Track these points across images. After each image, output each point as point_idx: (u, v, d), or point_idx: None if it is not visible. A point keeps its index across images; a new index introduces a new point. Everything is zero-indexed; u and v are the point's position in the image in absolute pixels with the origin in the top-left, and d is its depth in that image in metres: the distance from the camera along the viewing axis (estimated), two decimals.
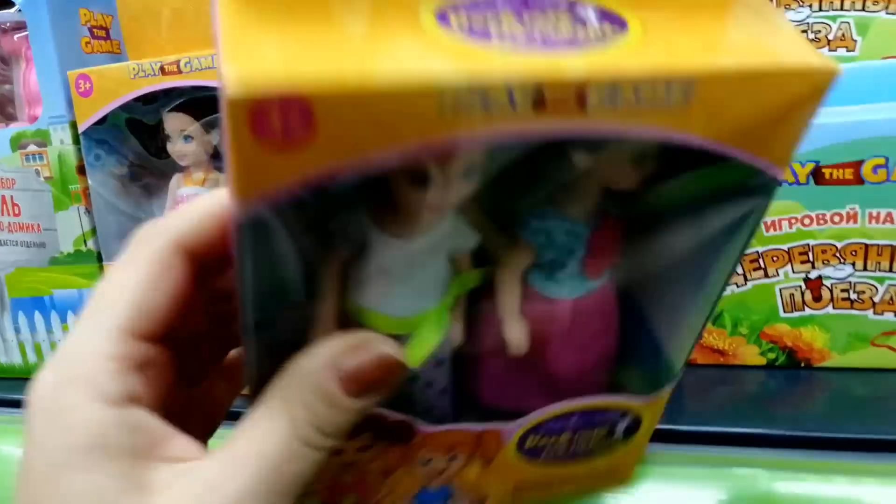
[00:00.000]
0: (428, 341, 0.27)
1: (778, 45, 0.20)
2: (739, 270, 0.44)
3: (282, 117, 0.17)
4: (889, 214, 0.41)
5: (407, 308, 0.27)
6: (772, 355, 0.45)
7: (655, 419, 0.31)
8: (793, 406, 0.43)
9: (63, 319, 0.58)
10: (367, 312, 0.27)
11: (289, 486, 0.21)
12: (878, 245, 0.41)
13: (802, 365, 0.45)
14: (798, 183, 0.42)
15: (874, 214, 0.41)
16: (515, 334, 0.29)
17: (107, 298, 0.22)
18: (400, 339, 0.26)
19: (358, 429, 0.24)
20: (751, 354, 0.45)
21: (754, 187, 0.23)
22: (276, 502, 0.21)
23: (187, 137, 0.51)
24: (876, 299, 0.42)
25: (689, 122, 0.20)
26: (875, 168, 0.41)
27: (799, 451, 0.38)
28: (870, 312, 0.43)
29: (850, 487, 0.36)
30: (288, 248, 0.23)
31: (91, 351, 0.21)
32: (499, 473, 0.32)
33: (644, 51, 0.20)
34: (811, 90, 0.20)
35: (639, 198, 0.28)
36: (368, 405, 0.22)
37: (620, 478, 0.34)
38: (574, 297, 0.29)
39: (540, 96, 0.19)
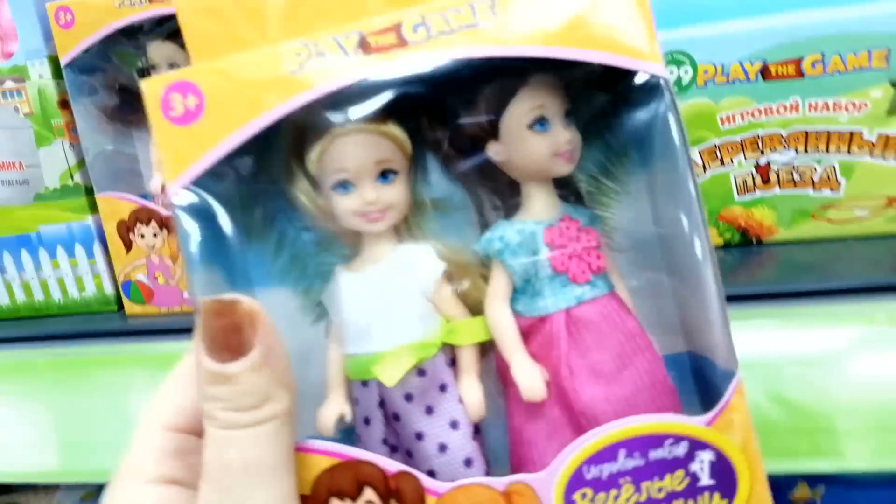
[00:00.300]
0: (405, 357, 0.27)
1: None
2: (699, 162, 0.50)
3: (181, 99, 0.24)
4: (825, 103, 0.47)
5: (378, 341, 0.28)
6: (728, 235, 0.52)
7: (754, 462, 0.25)
8: (749, 275, 0.49)
9: (52, 255, 0.59)
10: (351, 360, 0.28)
11: (287, 465, 0.24)
12: (816, 131, 0.48)
13: (754, 241, 0.51)
14: (748, 80, 0.48)
15: (813, 104, 0.47)
16: (525, 377, 0.27)
17: (154, 403, 0.27)
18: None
19: (357, 487, 0.25)
20: (711, 236, 0.52)
21: (636, 92, 0.26)
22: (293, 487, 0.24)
23: (173, 66, 0.52)
24: (815, 178, 0.49)
25: (509, 36, 0.23)
26: (813, 63, 0.47)
27: (757, 302, 0.44)
28: (810, 190, 0.49)
29: (803, 330, 0.42)
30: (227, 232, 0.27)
31: (140, 445, 0.26)
32: None
33: None
34: None
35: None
36: (251, 363, 0.23)
37: None
38: (566, 307, 0.28)
39: (364, 41, 0.24)
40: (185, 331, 0.27)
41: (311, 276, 0.30)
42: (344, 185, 0.28)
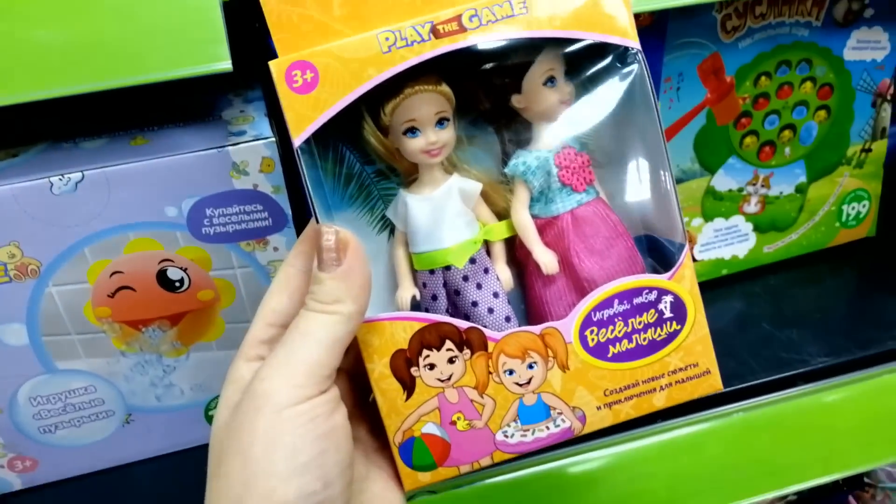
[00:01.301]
0: (465, 251, 0.38)
1: None
2: None
3: (300, 74, 0.33)
4: None
5: (446, 242, 0.38)
6: None
7: (697, 301, 0.38)
8: None
9: None
10: (421, 256, 0.38)
11: (330, 342, 0.32)
12: None
13: None
14: None
15: None
16: (545, 258, 0.39)
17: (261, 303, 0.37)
18: (449, 266, 0.38)
19: (440, 340, 0.36)
20: None
21: (621, 60, 0.37)
22: (331, 358, 0.32)
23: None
24: None
25: (536, 22, 0.34)
26: None
27: None
28: None
29: None
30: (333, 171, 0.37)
31: (248, 334, 0.36)
32: (580, 379, 0.37)
33: None
34: None
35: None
36: (335, 274, 0.32)
37: (710, 383, 0.39)
38: (570, 209, 0.39)
39: (435, 28, 0.33)
40: None
41: (374, 198, 0.39)
42: (413, 131, 0.37)
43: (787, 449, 0.58)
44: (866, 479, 0.84)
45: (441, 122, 0.37)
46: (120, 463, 0.54)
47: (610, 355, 0.37)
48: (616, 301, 0.37)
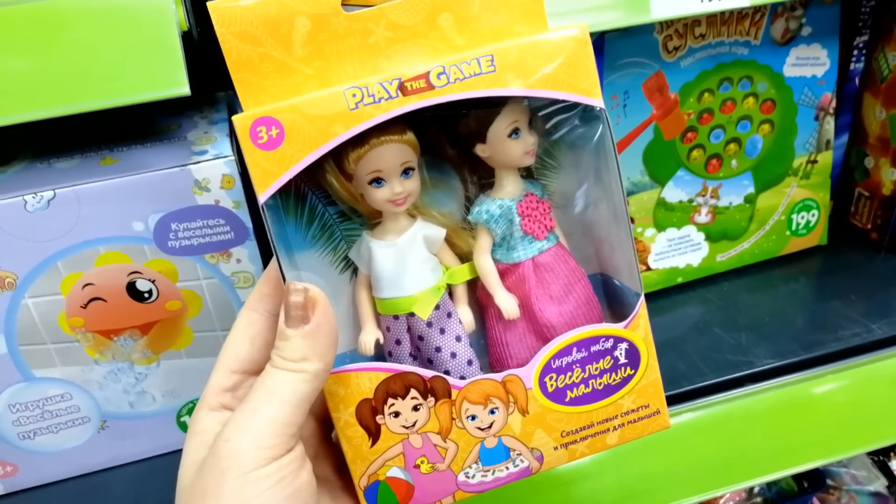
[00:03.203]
0: (430, 298, 0.39)
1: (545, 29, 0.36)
2: None
3: (266, 130, 0.32)
4: None
5: (410, 289, 0.38)
6: None
7: (650, 347, 0.39)
8: None
9: None
10: (385, 302, 0.39)
11: (296, 401, 0.32)
12: None
13: None
14: None
15: None
16: (506, 304, 0.40)
17: (222, 349, 0.37)
18: (413, 315, 0.39)
19: (405, 389, 0.37)
20: None
21: (586, 118, 0.38)
22: (297, 416, 0.32)
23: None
24: None
25: (503, 81, 0.34)
26: None
27: None
28: None
29: None
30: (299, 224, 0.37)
31: (210, 382, 0.36)
32: (539, 422, 0.39)
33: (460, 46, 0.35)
34: (575, 47, 0.35)
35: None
36: (302, 332, 0.33)
37: (659, 422, 0.41)
38: (531, 257, 0.40)
39: (402, 85, 0.33)
40: None
41: (337, 238, 0.40)
42: (378, 181, 0.37)
43: (736, 446, 0.61)
44: (830, 482, 0.86)
45: (406, 171, 0.37)
46: (96, 468, 0.56)
47: (567, 399, 0.39)
48: (574, 349, 0.38)
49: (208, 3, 0.33)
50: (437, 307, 0.39)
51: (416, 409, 0.37)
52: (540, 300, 0.40)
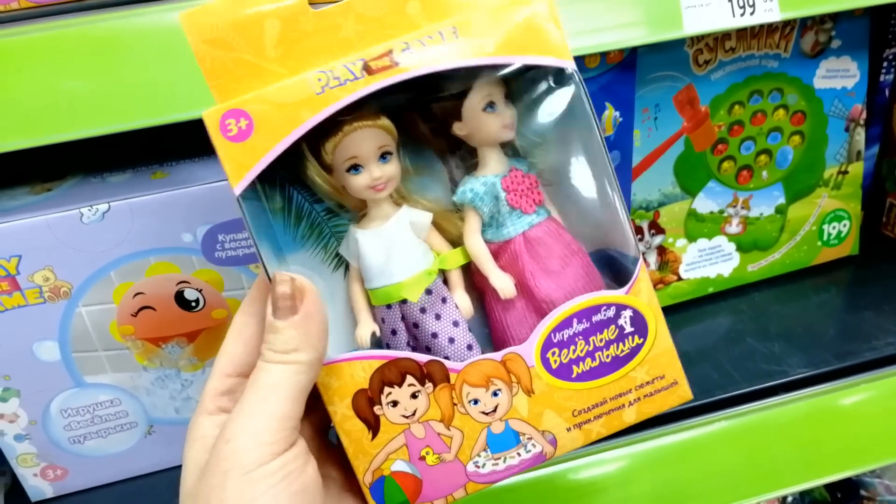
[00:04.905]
0: (419, 283, 0.38)
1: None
2: None
3: (235, 122, 0.32)
4: None
5: (399, 275, 0.37)
6: None
7: (657, 314, 0.37)
8: None
9: None
10: (376, 291, 0.38)
11: (293, 394, 0.32)
12: None
13: None
14: None
15: None
16: (501, 283, 0.38)
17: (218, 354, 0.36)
18: (405, 300, 0.37)
19: (401, 376, 0.35)
20: None
21: (559, 80, 0.37)
22: (296, 409, 0.32)
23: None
24: None
25: (468, 50, 0.34)
26: None
27: None
28: None
29: None
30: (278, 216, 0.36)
31: (206, 387, 0.35)
32: (547, 402, 0.37)
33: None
34: (538, 10, 0.34)
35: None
36: (292, 321, 0.32)
37: (679, 394, 0.38)
38: (522, 232, 0.39)
39: (367, 65, 0.33)
40: None
41: (326, 236, 0.39)
42: (356, 168, 0.36)
43: (769, 456, 0.61)
44: (863, 493, 0.85)
45: (384, 156, 0.36)
46: (142, 472, 0.58)
47: (574, 375, 0.37)
48: (575, 320, 0.37)
49: (179, 14, 0.33)
50: (430, 291, 0.38)
51: (414, 396, 0.36)
52: (535, 275, 0.38)
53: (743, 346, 0.65)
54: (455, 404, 0.36)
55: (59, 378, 0.52)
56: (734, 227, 0.69)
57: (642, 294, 0.37)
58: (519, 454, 0.37)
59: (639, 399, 0.38)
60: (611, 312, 0.37)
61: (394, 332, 0.39)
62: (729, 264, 0.70)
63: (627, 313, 0.37)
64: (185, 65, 0.43)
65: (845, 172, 0.71)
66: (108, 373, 0.53)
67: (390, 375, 0.35)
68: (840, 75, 0.66)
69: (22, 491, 0.56)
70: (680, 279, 0.69)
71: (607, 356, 0.37)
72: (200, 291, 0.52)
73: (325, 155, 0.36)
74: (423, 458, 0.36)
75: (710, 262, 0.69)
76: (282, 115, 0.32)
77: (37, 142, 0.43)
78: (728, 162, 0.66)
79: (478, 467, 0.37)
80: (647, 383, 0.38)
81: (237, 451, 0.30)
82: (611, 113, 0.59)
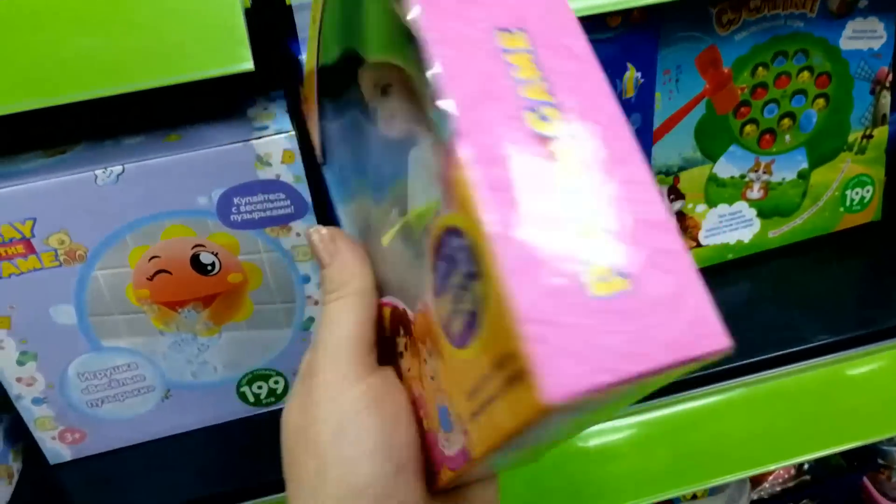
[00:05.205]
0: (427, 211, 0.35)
1: None
2: None
3: None
4: None
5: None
6: None
7: None
8: None
9: None
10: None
11: (353, 323, 0.33)
12: None
13: None
14: None
15: None
16: None
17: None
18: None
19: (395, 328, 0.33)
20: None
21: None
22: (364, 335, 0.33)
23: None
24: None
25: None
26: None
27: None
28: None
29: None
30: None
31: None
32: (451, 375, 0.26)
33: None
34: None
35: None
36: (330, 263, 0.35)
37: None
38: None
39: None
40: None
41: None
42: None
43: (788, 422, 0.61)
44: (881, 461, 0.85)
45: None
46: (159, 436, 0.58)
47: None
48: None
49: None
50: None
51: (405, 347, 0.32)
52: None
53: (763, 312, 0.65)
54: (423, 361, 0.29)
55: (75, 342, 0.52)
56: (755, 193, 0.68)
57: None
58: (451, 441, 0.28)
59: None
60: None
61: None
62: (749, 230, 0.69)
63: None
64: (202, 23, 0.42)
65: (870, 136, 0.69)
66: (125, 337, 0.53)
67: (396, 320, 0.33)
68: (867, 36, 0.64)
69: (40, 454, 0.56)
70: (699, 245, 0.68)
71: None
72: (216, 255, 0.51)
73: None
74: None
75: (730, 227, 0.68)
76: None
77: (45, 102, 0.42)
78: (750, 125, 0.65)
79: (443, 447, 0.29)
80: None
81: (322, 382, 0.32)
82: (632, 74, 0.57)
